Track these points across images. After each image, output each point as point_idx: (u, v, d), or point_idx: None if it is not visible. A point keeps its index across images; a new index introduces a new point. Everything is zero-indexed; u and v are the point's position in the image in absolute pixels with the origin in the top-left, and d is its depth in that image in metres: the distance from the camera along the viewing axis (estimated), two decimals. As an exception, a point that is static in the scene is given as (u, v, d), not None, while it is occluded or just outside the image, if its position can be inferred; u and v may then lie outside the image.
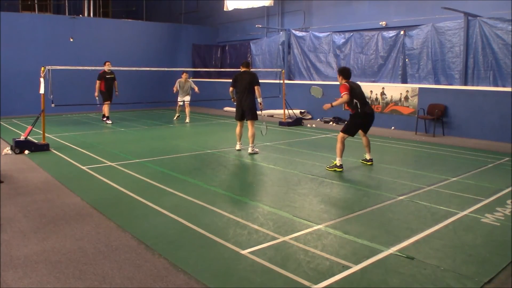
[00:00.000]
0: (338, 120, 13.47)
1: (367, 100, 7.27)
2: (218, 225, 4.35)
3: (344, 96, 6.76)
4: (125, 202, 5.17)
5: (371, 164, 7.26)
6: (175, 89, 13.14)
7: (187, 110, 13.29)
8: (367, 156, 7.34)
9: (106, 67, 12.45)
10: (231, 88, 8.33)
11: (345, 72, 7.06)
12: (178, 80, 13.15)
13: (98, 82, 12.65)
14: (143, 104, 14.41)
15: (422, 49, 11.84)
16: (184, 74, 13.13)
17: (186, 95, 13.21)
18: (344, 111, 13.66)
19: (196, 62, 19.48)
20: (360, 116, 6.98)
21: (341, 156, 6.87)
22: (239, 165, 7.45)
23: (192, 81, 13.61)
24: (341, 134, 6.98)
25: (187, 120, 13.22)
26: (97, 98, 12.53)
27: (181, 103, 13.44)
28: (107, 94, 12.76)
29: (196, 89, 13.15)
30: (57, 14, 18.81)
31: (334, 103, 6.85)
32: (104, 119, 13.08)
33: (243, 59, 17.68)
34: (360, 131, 7.21)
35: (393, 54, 12.58)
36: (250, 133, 8.17)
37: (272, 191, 5.78)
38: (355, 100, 6.90)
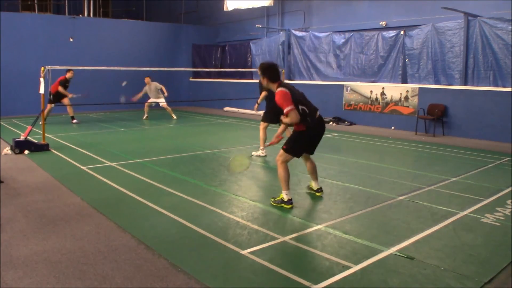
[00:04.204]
0: (338, 120, 13.44)
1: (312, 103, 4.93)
2: (218, 225, 4.35)
3: (291, 114, 4.50)
4: (125, 202, 5.16)
5: (320, 195, 5.43)
6: (141, 94, 13.76)
7: (168, 109, 14.05)
8: (314, 185, 5.48)
9: (68, 75, 11.95)
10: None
11: (271, 71, 4.68)
12: (145, 86, 13.79)
13: (59, 87, 11.80)
14: (143, 104, 14.41)
15: (422, 49, 11.84)
16: (146, 78, 13.70)
17: (158, 96, 13.83)
18: (343, 111, 13.68)
19: (196, 62, 19.47)
20: (311, 128, 4.88)
21: (288, 188, 4.90)
22: (239, 165, 7.44)
23: (192, 81, 13.77)
24: (283, 156, 4.86)
25: (174, 117, 14.02)
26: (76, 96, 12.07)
27: (153, 104, 14.16)
28: (56, 98, 11.87)
29: (165, 90, 13.75)
30: (57, 14, 18.79)
31: (278, 133, 5.14)
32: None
33: (243, 59, 17.71)
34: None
35: (393, 54, 12.58)
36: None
37: (272, 191, 5.77)
38: (301, 107, 4.63)
